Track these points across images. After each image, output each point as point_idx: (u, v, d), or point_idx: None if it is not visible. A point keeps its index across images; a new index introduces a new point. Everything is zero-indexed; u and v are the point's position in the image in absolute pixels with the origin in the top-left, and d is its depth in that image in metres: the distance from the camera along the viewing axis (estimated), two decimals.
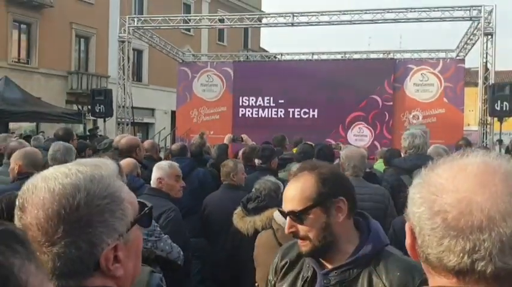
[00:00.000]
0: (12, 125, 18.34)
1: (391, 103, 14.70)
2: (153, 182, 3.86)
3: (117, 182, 1.08)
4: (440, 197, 0.87)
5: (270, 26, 15.88)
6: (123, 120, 15.75)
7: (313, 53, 16.93)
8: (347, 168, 4.24)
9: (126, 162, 4.57)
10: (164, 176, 3.84)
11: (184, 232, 3.86)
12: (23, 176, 3.79)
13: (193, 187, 5.68)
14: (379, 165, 7.05)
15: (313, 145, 6.20)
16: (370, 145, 14.02)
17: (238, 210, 3.69)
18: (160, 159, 6.54)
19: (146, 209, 1.14)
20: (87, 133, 15.12)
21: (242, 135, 7.92)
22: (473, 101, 14.29)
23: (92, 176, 1.04)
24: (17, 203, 1.02)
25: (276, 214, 2.64)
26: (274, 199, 3.58)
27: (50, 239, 0.97)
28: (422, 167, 3.50)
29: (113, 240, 1.02)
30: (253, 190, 3.95)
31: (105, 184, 1.04)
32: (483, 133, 12.87)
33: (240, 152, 6.29)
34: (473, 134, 14.67)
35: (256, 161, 5.48)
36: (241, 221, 3.59)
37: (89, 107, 16.94)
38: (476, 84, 14.00)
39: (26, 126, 20.63)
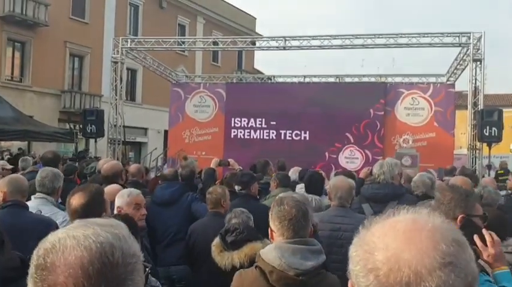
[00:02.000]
0: (3, 143, 18.29)
1: (382, 113, 14.78)
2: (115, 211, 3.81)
3: (135, 241, 1.10)
4: (372, 255, 0.91)
5: (262, 50, 16.02)
6: (114, 139, 15.76)
7: (305, 76, 17.06)
8: (334, 198, 4.27)
9: (112, 189, 4.56)
10: (123, 205, 3.70)
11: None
12: (8, 203, 3.80)
13: (181, 212, 5.66)
14: None
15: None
16: (365, 162, 14.10)
17: (217, 242, 3.58)
18: (146, 182, 6.55)
19: (148, 269, 1.15)
20: (77, 154, 15.10)
21: (229, 160, 7.93)
22: (466, 124, 14.46)
23: (118, 235, 1.05)
24: (37, 262, 1.00)
25: (265, 253, 2.54)
26: (253, 230, 3.53)
27: None
28: (380, 197, 3.53)
29: None
30: (232, 221, 3.90)
31: (129, 242, 1.06)
32: (472, 158, 12.97)
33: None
34: (464, 158, 14.76)
35: (236, 187, 5.50)
36: (219, 255, 3.48)
37: (81, 126, 16.94)
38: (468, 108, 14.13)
39: (18, 144, 20.54)
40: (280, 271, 2.39)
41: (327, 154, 14.96)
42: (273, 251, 2.49)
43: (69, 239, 1.01)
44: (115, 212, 3.75)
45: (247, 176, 5.64)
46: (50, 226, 3.45)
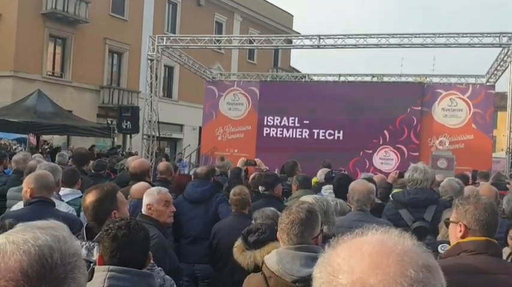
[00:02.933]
0: (44, 136, 18.84)
1: (419, 108, 14.49)
2: (144, 209, 3.83)
3: (76, 241, 1.16)
4: (336, 278, 0.86)
5: (297, 48, 15.94)
6: (149, 135, 15.96)
7: (340, 75, 16.87)
8: (352, 201, 4.22)
9: (140, 187, 4.64)
10: (153, 202, 3.78)
11: (170, 260, 3.64)
12: (34, 200, 3.90)
13: (209, 212, 5.65)
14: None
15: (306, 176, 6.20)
16: (400, 164, 13.88)
17: (239, 243, 3.57)
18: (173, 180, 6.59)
19: (93, 264, 1.20)
20: (109, 150, 15.39)
21: (256, 160, 7.93)
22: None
23: (57, 236, 1.10)
24: None
25: (267, 258, 2.58)
26: (275, 231, 3.53)
27: None
28: (420, 202, 3.45)
29: None
30: (252, 221, 3.92)
31: (69, 242, 1.11)
32: (511, 162, 12.57)
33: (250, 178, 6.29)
34: (502, 161, 14.32)
35: (260, 188, 5.48)
36: (242, 255, 3.46)
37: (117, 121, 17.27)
38: None
39: (58, 138, 21.14)
40: (278, 277, 2.41)
41: (361, 152, 14.81)
42: (273, 256, 2.52)
43: (9, 245, 1.06)
44: (143, 209, 3.85)
45: (271, 177, 5.62)
46: (73, 222, 3.52)
